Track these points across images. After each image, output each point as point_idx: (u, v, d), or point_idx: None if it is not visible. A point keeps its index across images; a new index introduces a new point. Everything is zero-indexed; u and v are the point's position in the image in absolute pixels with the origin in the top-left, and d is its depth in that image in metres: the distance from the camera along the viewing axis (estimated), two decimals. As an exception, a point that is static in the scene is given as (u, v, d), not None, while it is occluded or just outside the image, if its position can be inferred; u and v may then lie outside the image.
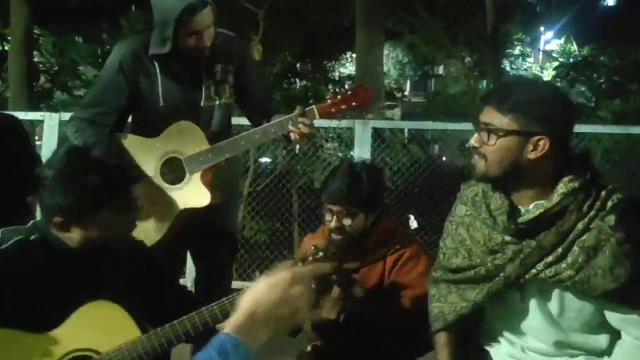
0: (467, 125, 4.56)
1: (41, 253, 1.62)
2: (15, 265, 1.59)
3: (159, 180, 2.33)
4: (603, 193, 1.56)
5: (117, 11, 8.82)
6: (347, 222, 2.05)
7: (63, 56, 8.46)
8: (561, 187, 1.56)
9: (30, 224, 1.68)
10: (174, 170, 2.34)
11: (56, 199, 1.56)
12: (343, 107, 2.24)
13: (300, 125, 2.22)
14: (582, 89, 9.80)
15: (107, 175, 1.60)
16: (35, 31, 7.67)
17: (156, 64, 2.35)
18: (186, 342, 1.86)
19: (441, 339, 1.81)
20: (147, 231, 2.26)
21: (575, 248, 1.54)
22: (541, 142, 1.55)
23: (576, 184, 1.55)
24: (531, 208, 1.61)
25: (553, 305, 1.62)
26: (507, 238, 1.61)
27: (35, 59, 7.62)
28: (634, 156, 4.49)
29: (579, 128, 4.20)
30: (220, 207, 2.42)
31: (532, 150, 1.56)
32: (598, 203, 1.55)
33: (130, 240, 1.79)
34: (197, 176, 2.31)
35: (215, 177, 2.38)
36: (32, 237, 1.64)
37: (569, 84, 9.89)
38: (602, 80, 9.58)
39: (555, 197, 1.56)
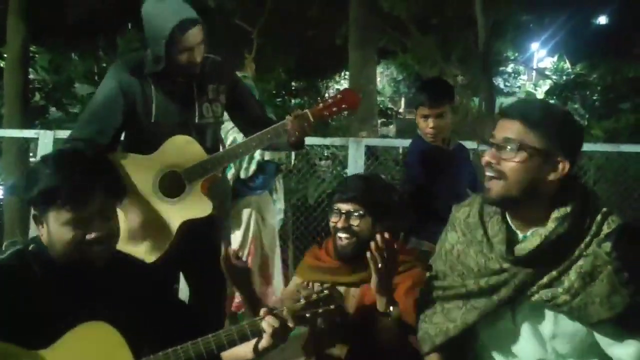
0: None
1: (36, 264, 1.59)
2: (11, 278, 1.57)
3: (157, 195, 2.33)
4: (598, 217, 1.51)
5: (114, 29, 8.89)
6: (354, 222, 2.08)
7: (59, 73, 8.47)
8: (554, 213, 1.52)
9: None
10: (173, 184, 2.33)
11: (33, 188, 1.55)
12: (334, 109, 2.34)
13: (297, 121, 2.29)
14: (575, 106, 9.87)
15: (78, 160, 1.60)
16: (31, 48, 7.67)
17: (151, 82, 2.37)
18: None
19: None
20: (149, 248, 2.27)
21: (572, 273, 1.50)
22: (561, 165, 1.50)
23: (568, 209, 1.51)
24: (529, 235, 1.56)
25: (546, 328, 1.59)
26: (505, 265, 1.57)
27: (31, 76, 7.61)
28: (624, 174, 4.54)
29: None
30: (214, 222, 2.43)
31: (552, 172, 1.50)
32: (593, 227, 1.51)
33: (131, 259, 1.77)
34: (197, 187, 2.32)
35: (209, 191, 2.38)
36: (30, 247, 1.62)
37: (562, 102, 9.96)
38: (595, 98, 9.66)
39: (550, 224, 1.52)
